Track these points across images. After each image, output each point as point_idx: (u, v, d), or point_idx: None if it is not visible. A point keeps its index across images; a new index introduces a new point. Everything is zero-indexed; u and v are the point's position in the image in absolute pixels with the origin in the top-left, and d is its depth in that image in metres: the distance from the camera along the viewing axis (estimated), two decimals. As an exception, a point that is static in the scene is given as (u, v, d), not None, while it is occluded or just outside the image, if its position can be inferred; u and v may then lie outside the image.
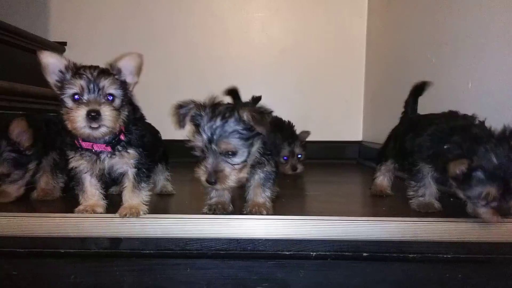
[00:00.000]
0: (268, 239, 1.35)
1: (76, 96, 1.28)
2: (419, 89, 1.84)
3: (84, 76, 1.27)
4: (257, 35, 3.40)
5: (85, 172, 1.39)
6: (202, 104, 1.31)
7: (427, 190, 1.49)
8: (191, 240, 1.35)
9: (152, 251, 1.35)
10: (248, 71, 3.34)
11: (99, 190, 1.42)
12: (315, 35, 3.40)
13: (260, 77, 3.36)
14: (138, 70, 1.39)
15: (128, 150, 1.38)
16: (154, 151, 1.58)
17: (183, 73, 3.34)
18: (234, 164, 1.26)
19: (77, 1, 3.32)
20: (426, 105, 2.01)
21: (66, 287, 1.37)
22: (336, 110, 3.47)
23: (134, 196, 1.38)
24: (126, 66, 1.37)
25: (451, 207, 1.52)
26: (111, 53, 3.24)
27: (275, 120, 2.51)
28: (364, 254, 1.34)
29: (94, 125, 1.25)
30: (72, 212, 1.37)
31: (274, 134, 1.84)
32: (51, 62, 1.31)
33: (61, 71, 1.31)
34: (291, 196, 1.83)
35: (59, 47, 3.19)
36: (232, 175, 1.26)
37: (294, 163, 2.56)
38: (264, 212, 1.39)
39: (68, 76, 1.29)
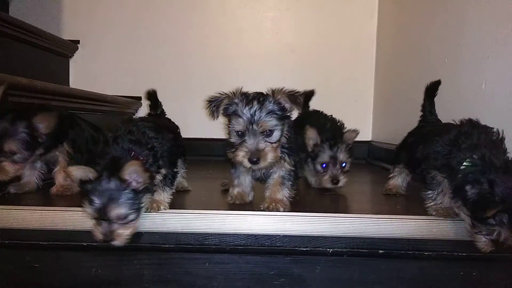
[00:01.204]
0: (285, 235, 1.37)
1: None
2: (431, 89, 1.85)
3: None
4: (268, 35, 3.42)
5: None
6: (233, 93, 1.40)
7: (445, 197, 1.42)
8: (210, 235, 1.38)
9: (172, 245, 1.38)
10: (260, 70, 3.36)
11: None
12: (326, 35, 3.41)
13: (271, 76, 3.38)
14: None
15: (159, 170, 1.41)
16: (176, 153, 1.61)
17: (196, 71, 3.36)
18: (272, 143, 1.37)
19: (90, 0, 3.36)
20: (439, 106, 2.03)
21: (88, 280, 1.40)
22: (346, 110, 3.46)
23: (157, 195, 1.42)
24: None
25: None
26: (124, 52, 3.34)
27: (311, 113, 2.31)
28: (380, 251, 1.37)
29: None
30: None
31: (300, 131, 1.88)
32: None
33: None
34: (306, 193, 1.85)
35: (72, 45, 3.23)
36: (271, 152, 1.35)
37: (335, 173, 1.88)
38: (281, 208, 1.42)
39: None
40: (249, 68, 3.38)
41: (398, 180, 1.83)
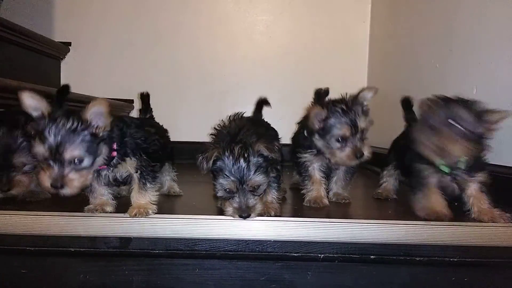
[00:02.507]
0: (276, 241, 1.36)
1: None
2: (406, 103, 1.92)
3: None
4: (261, 38, 3.42)
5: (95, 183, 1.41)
6: (217, 147, 1.35)
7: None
8: (200, 240, 1.36)
9: (161, 251, 1.36)
10: (252, 73, 3.36)
11: (108, 190, 1.44)
12: (319, 39, 3.42)
13: (263, 79, 3.38)
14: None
15: (126, 159, 1.39)
16: (162, 151, 1.59)
17: (188, 74, 3.35)
18: (260, 194, 1.38)
19: (82, 2, 3.34)
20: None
21: (76, 286, 1.38)
22: (338, 113, 3.48)
23: (141, 197, 1.40)
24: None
25: (457, 211, 1.54)
26: (116, 54, 3.31)
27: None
28: (372, 256, 1.36)
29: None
30: (82, 211, 1.38)
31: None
32: None
33: None
34: (299, 198, 1.84)
35: (63, 47, 3.21)
36: (259, 204, 1.36)
37: (357, 145, 1.53)
38: (272, 212, 1.41)
39: None
40: (242, 71, 3.38)
41: (389, 184, 1.84)
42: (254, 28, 3.43)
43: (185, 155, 2.75)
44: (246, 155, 1.33)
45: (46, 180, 1.18)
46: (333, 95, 3.39)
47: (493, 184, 1.48)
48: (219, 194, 1.38)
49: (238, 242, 1.36)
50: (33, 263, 1.39)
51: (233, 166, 1.32)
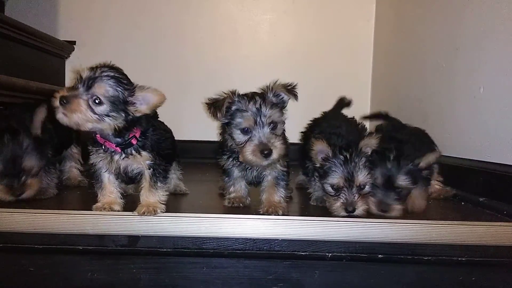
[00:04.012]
0: (284, 240, 1.36)
1: None
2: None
3: None
4: (265, 37, 3.42)
5: (105, 171, 1.41)
6: (232, 92, 1.43)
7: None
8: (207, 239, 1.36)
9: (169, 250, 1.36)
10: (256, 72, 3.35)
11: (117, 188, 1.44)
12: (323, 38, 3.41)
13: (267, 78, 3.35)
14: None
15: (142, 153, 1.40)
16: (172, 153, 1.60)
17: (192, 73, 3.35)
18: (278, 135, 1.39)
19: (86, 1, 3.34)
20: (436, 112, 2.04)
21: (83, 284, 1.38)
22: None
23: (151, 195, 1.40)
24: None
25: (465, 211, 1.54)
26: (120, 52, 3.31)
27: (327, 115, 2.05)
28: (379, 256, 1.36)
29: None
30: (90, 209, 1.38)
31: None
32: None
33: None
34: (306, 197, 1.84)
35: (68, 46, 3.21)
36: (279, 144, 1.36)
37: (351, 199, 1.45)
38: (280, 212, 1.41)
39: None
40: (245, 71, 3.37)
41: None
42: (258, 27, 3.43)
43: (189, 154, 2.76)
44: (263, 94, 1.44)
45: (60, 93, 1.28)
46: (338, 94, 3.41)
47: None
48: (237, 139, 1.41)
49: (246, 240, 1.36)
50: (41, 261, 1.39)
51: (249, 102, 1.39)
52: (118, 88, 1.32)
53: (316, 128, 1.82)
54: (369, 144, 1.50)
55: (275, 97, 1.44)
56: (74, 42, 3.27)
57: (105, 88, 1.29)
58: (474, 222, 1.37)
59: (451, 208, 1.66)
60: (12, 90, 1.73)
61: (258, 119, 1.35)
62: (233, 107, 1.40)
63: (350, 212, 1.43)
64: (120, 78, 1.34)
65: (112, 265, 1.38)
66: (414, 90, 2.55)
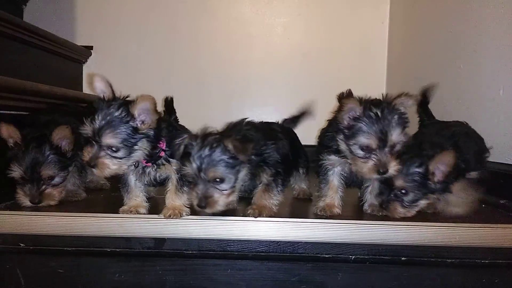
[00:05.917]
0: (307, 242, 1.38)
1: None
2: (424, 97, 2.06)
3: None
4: (279, 40, 3.43)
5: (131, 174, 1.44)
6: (194, 135, 1.38)
7: None
8: (232, 241, 1.38)
9: (194, 252, 1.39)
10: (271, 75, 3.37)
11: (143, 192, 1.47)
12: (337, 40, 3.42)
13: (282, 81, 3.39)
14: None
15: (171, 161, 1.45)
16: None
17: (207, 76, 3.38)
18: (223, 190, 1.33)
19: (102, 6, 3.38)
20: (455, 115, 2.03)
21: (111, 285, 1.41)
22: (357, 115, 3.48)
23: (176, 198, 1.44)
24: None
25: (486, 213, 1.54)
26: (136, 57, 3.36)
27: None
28: (402, 258, 1.37)
29: None
30: (117, 212, 1.42)
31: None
32: None
33: None
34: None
35: (85, 51, 3.26)
36: (221, 200, 1.33)
37: (383, 159, 1.38)
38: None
39: None
40: (260, 73, 3.39)
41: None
42: (271, 31, 3.45)
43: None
44: (214, 145, 1.32)
45: (85, 155, 1.32)
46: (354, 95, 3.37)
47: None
48: (189, 179, 1.39)
49: (270, 243, 1.38)
50: (70, 263, 1.42)
51: (197, 152, 1.32)
52: (122, 128, 1.33)
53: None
54: (404, 103, 1.43)
55: (226, 151, 1.33)
56: (91, 47, 3.32)
57: (111, 135, 1.32)
58: (497, 225, 1.38)
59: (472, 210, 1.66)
60: (37, 96, 1.77)
61: (198, 174, 1.32)
62: (189, 149, 1.35)
63: (382, 174, 1.36)
64: (120, 116, 1.34)
65: (138, 267, 1.41)
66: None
